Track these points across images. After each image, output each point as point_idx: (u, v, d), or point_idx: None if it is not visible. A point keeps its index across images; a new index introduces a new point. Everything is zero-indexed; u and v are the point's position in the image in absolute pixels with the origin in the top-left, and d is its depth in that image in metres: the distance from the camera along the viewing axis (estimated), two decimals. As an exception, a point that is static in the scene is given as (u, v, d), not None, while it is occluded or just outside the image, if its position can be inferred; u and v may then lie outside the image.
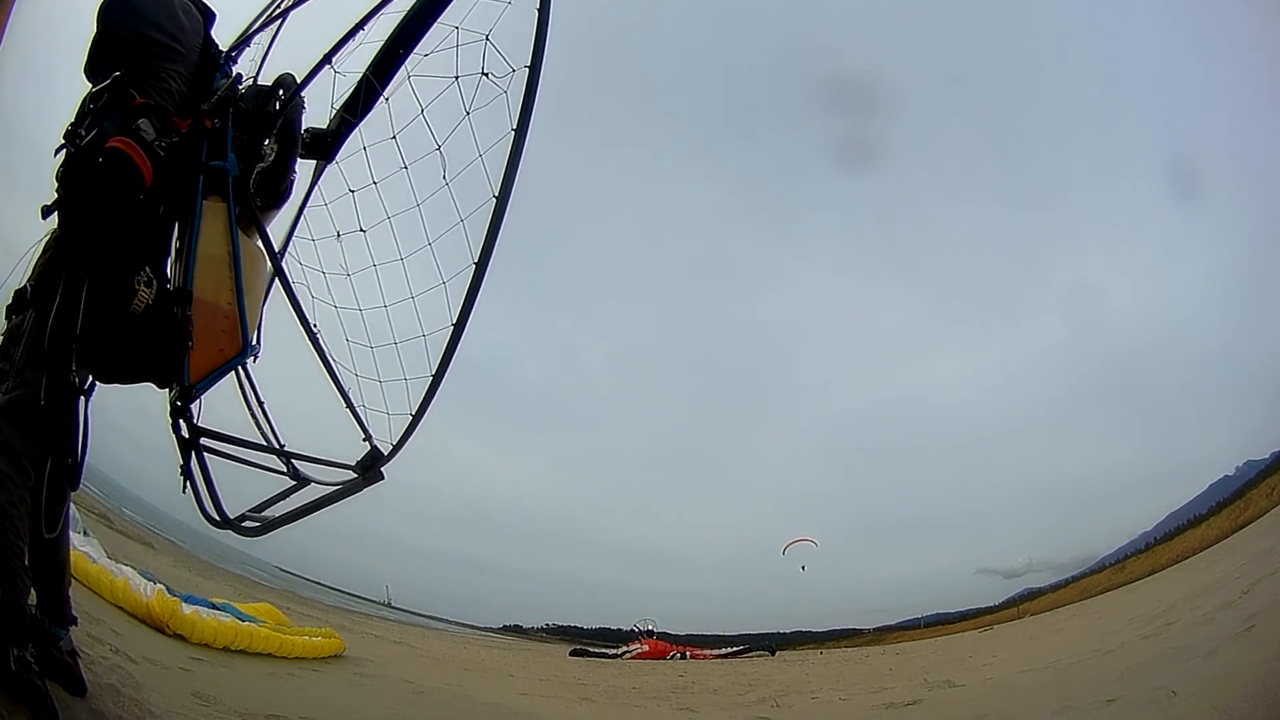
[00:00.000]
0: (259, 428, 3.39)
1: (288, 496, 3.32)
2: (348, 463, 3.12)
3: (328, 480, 3.17)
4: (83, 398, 2.69)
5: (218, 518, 2.97)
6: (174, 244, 2.81)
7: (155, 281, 2.56)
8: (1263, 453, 16.70)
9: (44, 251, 2.67)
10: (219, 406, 2.87)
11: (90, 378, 2.70)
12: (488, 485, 28.60)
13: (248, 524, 3.10)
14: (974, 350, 29.50)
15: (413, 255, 3.17)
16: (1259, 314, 20.59)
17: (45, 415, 2.50)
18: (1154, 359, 23.03)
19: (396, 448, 3.07)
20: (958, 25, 26.22)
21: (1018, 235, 27.52)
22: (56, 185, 2.59)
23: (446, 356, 2.93)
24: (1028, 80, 26.31)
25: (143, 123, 2.58)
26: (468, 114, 2.94)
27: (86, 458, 2.76)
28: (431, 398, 2.98)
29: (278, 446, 3.37)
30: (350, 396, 3.30)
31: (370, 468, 3.05)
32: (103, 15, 2.70)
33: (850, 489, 29.19)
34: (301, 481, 3.24)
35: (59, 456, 2.68)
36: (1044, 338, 26.81)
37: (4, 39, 3.87)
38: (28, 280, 2.65)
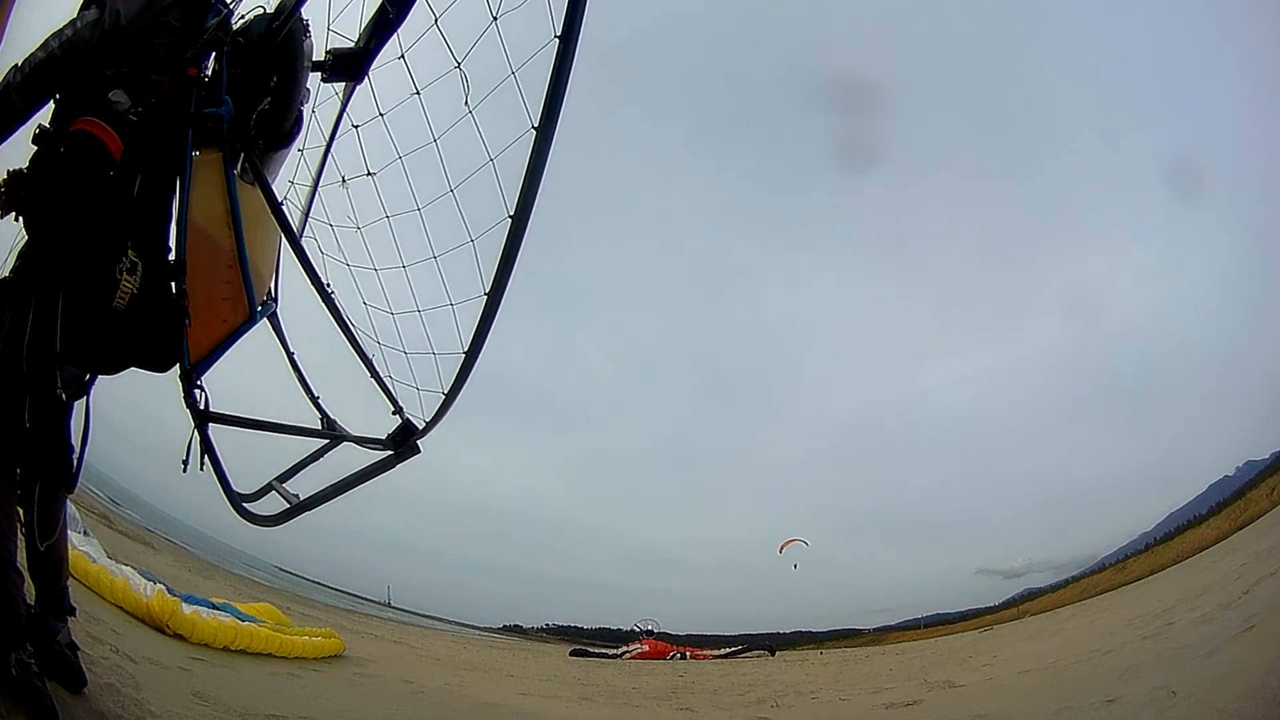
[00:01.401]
0: (296, 375, 3.21)
1: (321, 456, 3.08)
2: (379, 437, 2.83)
3: (360, 436, 2.91)
4: (81, 394, 2.56)
5: (239, 507, 2.78)
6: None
7: (139, 265, 2.28)
8: (1263, 453, 16.62)
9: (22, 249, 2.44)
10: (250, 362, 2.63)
11: (83, 375, 2.54)
12: (488, 485, 28.56)
13: (266, 515, 2.92)
14: (975, 350, 29.44)
15: (425, 261, 2.90)
16: (1259, 314, 20.52)
17: (32, 436, 2.33)
18: (1154, 359, 22.97)
19: (432, 423, 2.76)
20: (959, 26, 26.21)
21: (1019, 235, 27.33)
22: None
23: (480, 334, 2.58)
24: (1029, 80, 26.24)
25: (115, 94, 2.30)
26: (496, 86, 2.40)
27: (86, 456, 2.59)
28: (469, 371, 2.63)
29: (313, 397, 3.16)
30: (377, 369, 3.08)
31: (403, 442, 2.74)
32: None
33: (850, 489, 29.07)
34: (335, 438, 2.98)
35: (49, 467, 2.54)
36: (1044, 338, 26.79)
37: (4, 39, 3.86)
38: (10, 272, 2.41)
